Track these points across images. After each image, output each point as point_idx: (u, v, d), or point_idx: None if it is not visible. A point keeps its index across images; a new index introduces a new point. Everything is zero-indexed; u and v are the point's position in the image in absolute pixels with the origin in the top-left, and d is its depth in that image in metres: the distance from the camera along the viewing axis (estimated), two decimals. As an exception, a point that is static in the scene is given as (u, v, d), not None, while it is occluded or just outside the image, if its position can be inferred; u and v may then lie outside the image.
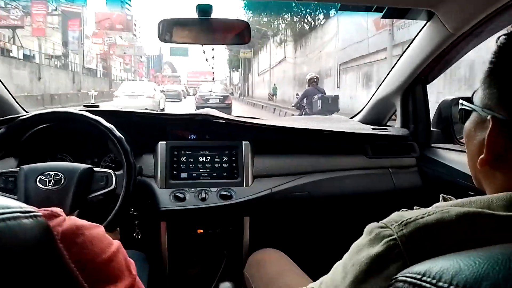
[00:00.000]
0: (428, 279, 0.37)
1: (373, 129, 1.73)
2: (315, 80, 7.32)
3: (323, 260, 0.88)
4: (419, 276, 0.38)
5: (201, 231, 1.49)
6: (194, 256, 1.53)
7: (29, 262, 0.39)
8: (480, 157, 0.54)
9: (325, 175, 1.57)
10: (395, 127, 1.78)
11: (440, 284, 0.35)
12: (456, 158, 1.51)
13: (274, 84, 26.68)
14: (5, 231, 0.36)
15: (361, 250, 0.52)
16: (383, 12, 1.36)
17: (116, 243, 0.60)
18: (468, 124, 0.59)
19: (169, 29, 1.28)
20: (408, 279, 0.39)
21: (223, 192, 1.44)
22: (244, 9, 29.59)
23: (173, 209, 1.40)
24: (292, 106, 7.60)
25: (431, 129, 1.69)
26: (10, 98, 1.57)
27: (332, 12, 19.65)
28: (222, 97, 16.22)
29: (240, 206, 1.44)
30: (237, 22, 1.28)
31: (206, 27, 1.27)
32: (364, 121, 1.93)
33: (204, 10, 1.23)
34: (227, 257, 1.53)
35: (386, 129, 1.76)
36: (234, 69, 50.05)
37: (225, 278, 1.42)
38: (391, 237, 0.48)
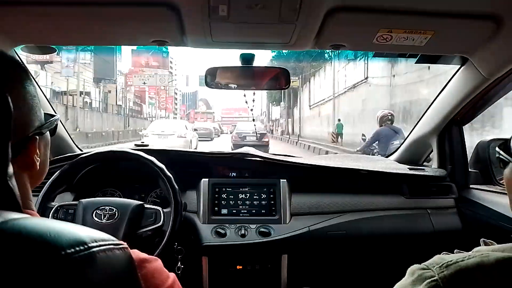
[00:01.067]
0: None
1: (410, 169, 1.74)
2: (389, 118, 5.52)
3: None
4: None
5: (240, 267, 1.53)
6: None
7: (122, 285, 0.45)
8: None
9: (362, 215, 1.58)
10: (432, 168, 1.79)
11: None
12: (497, 200, 1.50)
13: (339, 120, 19.58)
14: (105, 261, 0.42)
15: None
16: (417, 58, 1.42)
17: (172, 276, 0.66)
18: (508, 172, 0.60)
19: (215, 77, 1.40)
20: None
21: (262, 229, 1.49)
22: (273, 59, 29.27)
23: (215, 245, 1.45)
24: (357, 150, 6.07)
25: (469, 170, 1.69)
26: (68, 137, 1.72)
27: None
28: (259, 135, 16.03)
29: (278, 243, 1.48)
30: (277, 69, 1.38)
31: (249, 74, 1.38)
32: (400, 160, 1.94)
33: (247, 59, 1.35)
34: None
35: (423, 169, 1.76)
36: (274, 102, 44.48)
37: None
38: (433, 278, 0.51)
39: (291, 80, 1.39)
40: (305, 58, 28.54)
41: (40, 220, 0.43)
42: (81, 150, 1.76)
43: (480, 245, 0.62)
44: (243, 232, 1.48)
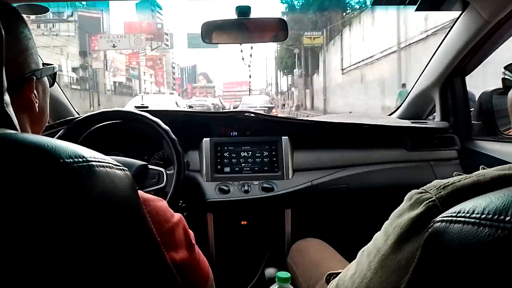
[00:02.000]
0: (463, 214, 0.40)
1: (412, 123, 1.74)
2: None
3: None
4: (454, 214, 0.42)
5: (245, 222, 1.56)
6: (239, 247, 1.59)
7: (124, 206, 0.45)
8: None
9: (365, 168, 1.59)
10: (434, 121, 1.77)
11: (473, 215, 0.39)
12: (500, 149, 1.49)
13: (404, 86, 11.97)
14: (104, 176, 0.42)
15: (402, 215, 0.56)
16: (417, 5, 1.38)
17: (178, 215, 0.67)
18: (511, 93, 0.59)
19: (211, 31, 1.37)
20: (445, 219, 0.43)
21: (265, 185, 1.50)
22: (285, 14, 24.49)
23: (219, 201, 1.47)
24: None
25: (472, 121, 1.68)
26: (66, 101, 1.72)
27: None
28: (266, 109, 15.01)
29: (282, 198, 1.49)
30: (274, 20, 1.36)
31: (245, 27, 1.35)
32: (403, 117, 1.93)
33: (243, 11, 1.32)
34: (270, 247, 1.58)
35: (426, 122, 1.76)
36: (285, 70, 34.57)
37: (270, 266, 1.47)
38: (430, 199, 0.52)
39: (288, 32, 1.36)
40: (332, 6, 22.49)
41: (40, 137, 0.43)
42: (79, 115, 1.76)
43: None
44: (246, 188, 1.49)
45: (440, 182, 0.54)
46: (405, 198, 0.58)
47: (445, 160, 1.65)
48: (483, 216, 0.38)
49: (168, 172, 1.33)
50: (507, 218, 0.35)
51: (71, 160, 0.40)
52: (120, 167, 0.47)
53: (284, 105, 33.77)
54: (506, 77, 0.61)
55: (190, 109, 1.77)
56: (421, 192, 0.55)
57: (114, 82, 34.59)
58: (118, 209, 0.44)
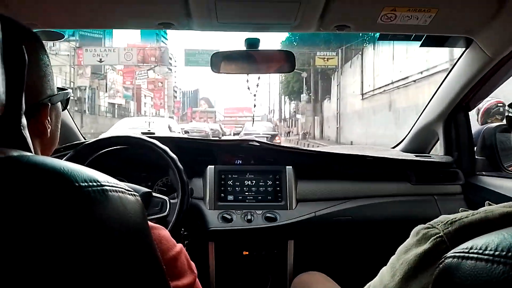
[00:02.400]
0: (475, 251, 0.40)
1: (416, 156, 1.74)
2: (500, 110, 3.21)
3: (367, 283, 0.89)
4: (466, 250, 0.41)
5: (247, 253, 1.53)
6: (240, 278, 1.56)
7: (134, 231, 0.46)
8: None
9: (369, 201, 1.58)
10: (438, 155, 1.78)
11: (487, 252, 0.38)
12: (504, 185, 1.49)
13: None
14: (117, 200, 0.43)
15: (409, 250, 0.55)
16: (422, 41, 1.42)
17: (179, 246, 0.67)
18: None
19: (220, 61, 1.41)
20: (457, 255, 0.42)
21: (268, 215, 1.49)
22: (283, 43, 23.02)
23: (221, 229, 1.46)
24: None
25: (476, 156, 1.68)
26: (74, 126, 1.74)
27: None
28: (269, 136, 14.75)
29: (285, 228, 1.47)
30: (282, 52, 1.39)
31: (253, 59, 1.38)
32: (406, 150, 1.93)
33: (252, 43, 1.35)
34: (271, 279, 1.55)
35: (430, 156, 1.76)
36: (292, 96, 30.78)
37: None
38: (438, 235, 0.51)
39: (295, 65, 1.39)
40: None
41: (55, 159, 0.45)
42: (85, 140, 1.77)
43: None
44: (249, 217, 1.48)
45: (447, 218, 0.53)
46: (411, 233, 0.58)
47: (449, 195, 1.64)
48: (497, 253, 0.37)
49: (172, 201, 1.32)
50: None
51: (86, 184, 0.41)
52: (132, 192, 0.48)
53: (289, 133, 32.61)
54: (510, 115, 0.61)
55: (195, 137, 1.77)
56: (428, 227, 0.55)
57: (109, 104, 33.28)
58: (128, 233, 0.45)
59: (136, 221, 0.47)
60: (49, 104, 0.61)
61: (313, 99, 25.64)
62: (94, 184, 0.42)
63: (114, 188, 0.44)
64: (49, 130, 0.62)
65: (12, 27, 0.56)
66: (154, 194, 1.32)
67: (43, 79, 0.60)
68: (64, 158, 1.29)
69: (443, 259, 0.45)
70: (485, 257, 0.38)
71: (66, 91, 0.69)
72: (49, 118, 0.61)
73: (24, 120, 0.52)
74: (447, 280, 0.42)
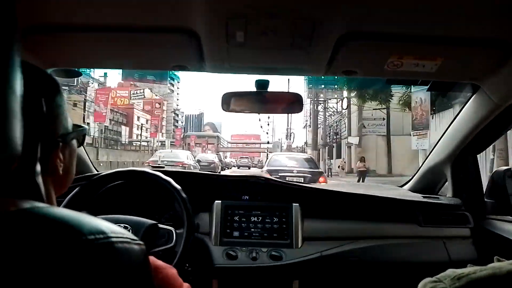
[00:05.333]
0: None
1: (424, 197, 1.73)
2: None
3: None
4: None
5: None
6: None
7: (138, 278, 0.47)
8: None
9: (376, 242, 1.56)
10: (446, 197, 1.77)
11: None
12: None
13: None
14: (123, 252, 0.45)
15: None
16: (429, 86, 1.45)
17: (186, 285, 0.68)
18: None
19: (230, 100, 1.45)
20: None
21: (273, 253, 1.48)
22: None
23: (226, 267, 1.46)
24: None
25: (485, 199, 1.67)
26: (87, 158, 1.78)
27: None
28: (309, 176, 9.04)
29: (290, 267, 1.47)
30: (291, 95, 1.43)
31: (263, 99, 1.42)
32: (414, 190, 1.93)
33: (262, 84, 1.40)
34: None
35: (438, 197, 1.75)
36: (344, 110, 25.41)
37: None
38: None
39: (303, 106, 1.43)
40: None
41: (64, 210, 0.47)
42: (98, 172, 1.81)
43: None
44: (254, 255, 1.48)
45: (455, 272, 0.54)
46: (419, 286, 0.58)
47: (458, 238, 1.62)
48: None
49: (177, 231, 1.33)
50: None
51: (93, 237, 0.42)
52: (137, 242, 0.50)
53: (331, 169, 23.51)
54: None
55: (202, 172, 1.80)
56: (436, 281, 0.55)
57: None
58: (132, 282, 0.46)
59: (140, 269, 0.49)
60: (60, 144, 0.62)
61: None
62: (101, 236, 0.43)
63: (120, 240, 0.46)
64: (61, 168, 0.62)
65: (34, 76, 0.58)
66: (160, 225, 1.33)
67: (56, 121, 0.61)
68: (72, 192, 1.32)
69: None
70: None
71: (81, 128, 0.70)
72: (62, 156, 0.62)
73: (38, 168, 0.54)
74: None
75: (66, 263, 0.40)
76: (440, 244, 1.59)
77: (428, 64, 1.19)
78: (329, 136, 29.38)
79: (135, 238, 0.50)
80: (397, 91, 18.74)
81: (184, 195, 1.34)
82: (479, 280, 0.51)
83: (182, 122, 75.95)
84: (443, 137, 1.71)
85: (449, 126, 1.67)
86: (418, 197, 1.74)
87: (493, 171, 1.69)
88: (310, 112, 28.87)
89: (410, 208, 1.67)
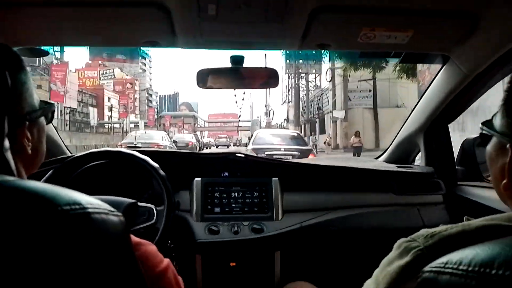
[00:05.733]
0: (450, 266, 0.43)
1: (398, 167, 1.79)
2: None
3: None
4: (442, 265, 0.44)
5: (234, 264, 1.55)
6: None
7: (116, 250, 0.47)
8: (503, 182, 0.56)
9: (353, 211, 1.61)
10: (420, 165, 1.83)
11: (461, 267, 0.41)
12: (484, 194, 1.53)
13: None
14: (100, 223, 0.45)
15: (391, 263, 0.58)
16: (401, 58, 1.47)
17: (167, 260, 0.68)
18: (489, 148, 0.61)
19: (206, 77, 1.44)
20: (433, 269, 0.45)
21: (254, 226, 1.51)
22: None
23: (208, 242, 1.48)
24: None
25: (456, 167, 1.73)
26: (59, 140, 1.74)
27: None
28: (298, 154, 8.52)
29: (271, 239, 1.50)
30: (266, 70, 1.43)
31: (238, 75, 1.42)
32: (389, 161, 1.98)
33: (237, 60, 1.39)
34: None
35: (411, 167, 1.81)
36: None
37: None
38: (418, 248, 0.54)
39: (279, 81, 1.43)
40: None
41: (37, 182, 0.46)
42: (72, 153, 1.78)
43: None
44: (236, 229, 1.50)
45: (428, 231, 0.56)
46: (394, 246, 0.60)
47: (432, 205, 1.68)
48: (470, 268, 0.40)
49: (158, 208, 1.34)
50: (493, 271, 0.38)
51: (68, 207, 0.42)
52: (115, 213, 0.49)
53: (316, 146, 21.50)
54: (484, 132, 0.62)
55: (181, 151, 1.79)
56: (410, 241, 0.57)
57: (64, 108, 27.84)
58: (110, 253, 0.46)
59: (119, 240, 0.48)
60: (26, 123, 0.61)
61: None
62: (77, 207, 0.43)
63: (97, 211, 0.45)
64: (29, 147, 0.61)
65: None
66: (139, 204, 1.33)
67: (19, 98, 0.60)
68: (46, 176, 1.30)
69: (421, 273, 0.47)
70: (460, 272, 0.41)
71: (48, 106, 0.68)
72: (29, 134, 0.61)
73: (6, 143, 0.53)
74: None
75: (40, 234, 0.39)
76: (414, 210, 1.65)
77: (399, 35, 1.21)
78: (311, 112, 28.46)
79: (113, 209, 0.49)
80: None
81: (162, 172, 1.34)
82: (450, 236, 0.54)
83: (156, 103, 72.71)
84: (416, 108, 1.75)
85: (421, 98, 1.71)
86: (392, 167, 1.79)
87: (464, 140, 1.75)
88: (289, 88, 28.27)
89: (386, 178, 1.72)
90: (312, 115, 28.42)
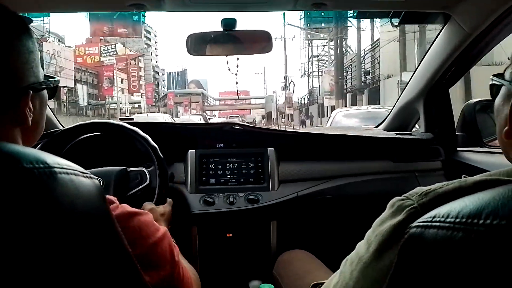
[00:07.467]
0: (438, 219, 0.40)
1: (397, 134, 1.75)
2: None
3: None
4: (430, 219, 0.41)
5: (230, 234, 1.54)
6: (224, 259, 1.57)
7: (89, 215, 0.45)
8: (505, 129, 0.54)
9: (351, 179, 1.59)
10: (419, 132, 1.79)
11: (448, 220, 0.38)
12: (484, 160, 1.50)
13: None
14: (68, 183, 0.42)
15: (384, 222, 0.55)
16: (401, 18, 1.41)
17: (163, 229, 0.66)
18: (497, 98, 0.59)
19: (197, 43, 1.38)
20: (421, 224, 0.42)
21: (250, 196, 1.49)
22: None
23: (204, 213, 1.46)
24: None
25: (456, 133, 1.70)
26: (51, 114, 1.70)
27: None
28: None
29: (267, 209, 1.48)
30: (260, 33, 1.37)
31: (230, 39, 1.36)
32: (388, 129, 1.94)
33: (229, 23, 1.33)
34: (255, 259, 1.56)
35: (411, 134, 1.77)
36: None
37: (255, 278, 1.45)
38: (412, 206, 0.51)
39: (273, 42, 1.36)
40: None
41: (9, 144, 0.43)
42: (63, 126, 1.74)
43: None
44: (231, 200, 1.48)
45: (422, 189, 0.53)
46: (387, 205, 0.58)
47: (430, 171, 1.66)
48: (457, 220, 0.37)
49: (149, 169, 1.31)
50: (480, 222, 0.35)
51: (32, 165, 0.40)
52: (88, 175, 0.47)
53: None
54: (494, 82, 0.60)
55: (175, 122, 1.75)
56: (403, 199, 0.55)
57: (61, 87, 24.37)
58: (81, 217, 0.44)
59: (91, 204, 0.46)
60: (31, 92, 0.59)
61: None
62: (42, 165, 0.41)
63: (64, 170, 0.43)
64: (30, 119, 0.59)
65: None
66: (129, 169, 1.30)
67: (25, 66, 0.58)
68: (39, 145, 1.26)
69: (408, 229, 0.44)
70: (447, 225, 0.38)
71: (54, 79, 0.67)
72: (31, 106, 0.59)
73: None
74: (411, 250, 0.42)
75: (2, 192, 0.37)
76: (412, 177, 1.63)
77: None
78: (365, 78, 22.96)
79: (85, 171, 0.47)
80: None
81: (153, 143, 1.29)
82: (446, 193, 0.50)
83: (163, 81, 70.35)
84: (415, 73, 1.70)
85: (421, 61, 1.65)
86: (391, 134, 1.76)
87: (464, 104, 1.70)
88: (307, 57, 26.59)
89: (384, 146, 1.69)
90: (365, 81, 22.81)
